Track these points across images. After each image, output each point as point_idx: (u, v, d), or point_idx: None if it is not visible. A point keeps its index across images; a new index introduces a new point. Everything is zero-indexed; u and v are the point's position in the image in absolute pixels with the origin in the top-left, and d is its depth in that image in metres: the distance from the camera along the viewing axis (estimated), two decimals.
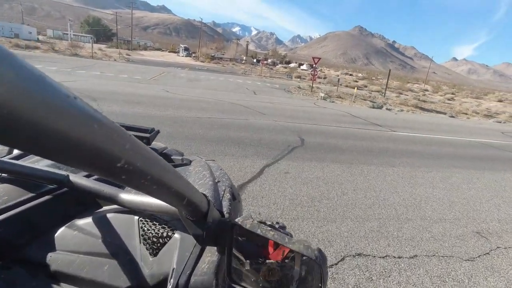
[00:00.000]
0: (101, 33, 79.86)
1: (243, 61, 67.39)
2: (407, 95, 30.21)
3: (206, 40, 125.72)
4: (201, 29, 68.14)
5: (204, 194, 0.59)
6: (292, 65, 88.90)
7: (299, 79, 36.36)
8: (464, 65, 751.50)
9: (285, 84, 23.66)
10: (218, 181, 1.03)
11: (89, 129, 0.23)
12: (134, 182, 0.33)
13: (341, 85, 27.12)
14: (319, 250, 0.56)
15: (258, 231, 0.57)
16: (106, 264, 0.67)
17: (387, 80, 28.89)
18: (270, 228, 0.58)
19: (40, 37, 62.27)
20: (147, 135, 1.10)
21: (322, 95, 16.39)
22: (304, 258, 0.57)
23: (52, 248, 0.69)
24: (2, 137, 0.18)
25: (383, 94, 25.62)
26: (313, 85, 20.71)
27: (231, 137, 5.73)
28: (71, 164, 0.25)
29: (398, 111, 16.56)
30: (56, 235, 0.71)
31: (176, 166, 1.15)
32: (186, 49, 65.46)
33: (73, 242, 0.70)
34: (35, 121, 0.18)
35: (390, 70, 32.40)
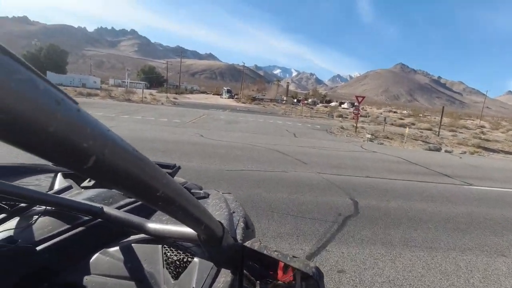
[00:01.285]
0: (154, 80, 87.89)
1: (284, 102, 68.10)
2: (463, 133, 26.80)
3: (248, 82, 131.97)
4: (243, 72, 71.49)
5: (219, 222, 0.67)
6: (332, 104, 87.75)
7: (340, 118, 34.84)
8: None
9: (326, 124, 22.36)
10: (233, 212, 1.13)
11: (139, 167, 0.30)
12: (167, 208, 0.39)
13: (386, 123, 25.05)
14: (317, 268, 0.63)
15: (265, 252, 0.66)
16: (134, 286, 0.76)
17: (441, 117, 25.98)
18: (275, 249, 0.67)
19: (103, 86, 70.29)
20: (170, 170, 1.36)
21: (369, 136, 14.74)
22: (303, 275, 0.63)
23: (88, 272, 0.78)
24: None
25: (437, 133, 22.84)
26: (357, 125, 19.09)
27: (264, 200, 4.53)
28: (128, 192, 0.32)
29: (461, 153, 14.08)
30: (91, 261, 0.79)
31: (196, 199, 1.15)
32: (228, 91, 68.52)
33: (106, 267, 0.78)
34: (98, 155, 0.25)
35: (443, 107, 29.54)
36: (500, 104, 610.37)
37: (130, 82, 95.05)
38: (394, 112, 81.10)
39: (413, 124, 34.74)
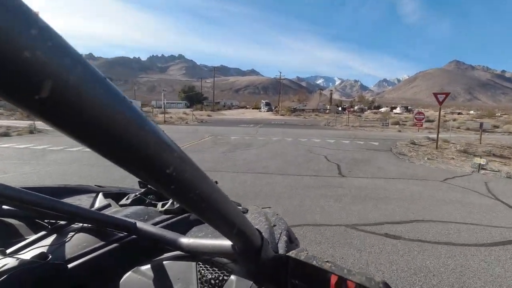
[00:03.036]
0: (194, 98, 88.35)
1: (327, 111, 61.74)
2: None
3: (290, 94, 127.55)
4: (280, 83, 67.03)
5: (257, 229, 0.61)
6: (383, 109, 78.53)
7: (397, 126, 28.02)
8: None
9: (386, 138, 16.35)
10: (274, 225, 1.05)
11: (142, 132, 0.25)
12: (183, 195, 0.34)
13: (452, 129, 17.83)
14: (384, 283, 0.53)
15: (314, 262, 0.57)
16: None
17: None
18: (326, 260, 0.57)
19: (145, 108, 71.64)
20: None
21: (481, 161, 7.68)
22: None
23: None
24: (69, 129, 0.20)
25: None
26: (438, 138, 12.74)
27: None
28: (126, 166, 0.26)
29: None
30: (122, 279, 0.77)
31: None
32: (267, 104, 64.87)
33: (137, 286, 0.75)
34: (99, 116, 0.21)
35: None
36: None
37: (170, 103, 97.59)
38: (459, 113, 69.08)
39: (496, 127, 26.58)
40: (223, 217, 0.44)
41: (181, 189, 0.33)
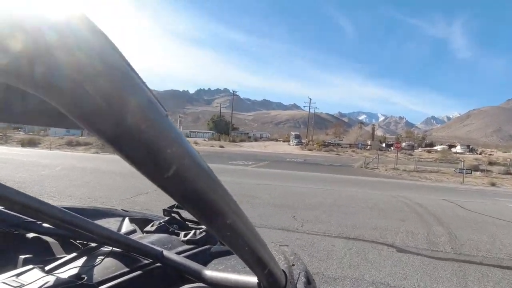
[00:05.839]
0: (224, 128, 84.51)
1: (368, 147, 51.88)
2: None
3: (329, 128, 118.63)
4: (309, 114, 59.32)
5: (282, 270, 0.64)
6: (438, 148, 65.91)
7: (478, 173, 18.59)
8: None
9: None
10: (293, 265, 1.04)
11: (212, 187, 0.31)
12: (233, 241, 0.37)
13: None
14: None
15: None
16: None
17: None
18: None
19: None
20: None
21: None
22: None
23: None
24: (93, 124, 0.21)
25: None
26: None
27: None
28: (198, 213, 0.31)
29: None
30: None
31: None
32: (297, 136, 57.16)
33: None
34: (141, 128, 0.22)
35: None
36: None
37: (196, 131, 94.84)
38: None
39: None
40: (259, 259, 0.46)
41: (235, 238, 0.36)
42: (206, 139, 57.99)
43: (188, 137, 76.40)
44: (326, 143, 49.64)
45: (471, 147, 72.27)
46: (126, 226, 1.19)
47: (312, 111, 63.38)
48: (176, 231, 1.18)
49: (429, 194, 9.36)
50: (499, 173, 19.69)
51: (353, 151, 41.42)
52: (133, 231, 1.11)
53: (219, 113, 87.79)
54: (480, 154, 55.08)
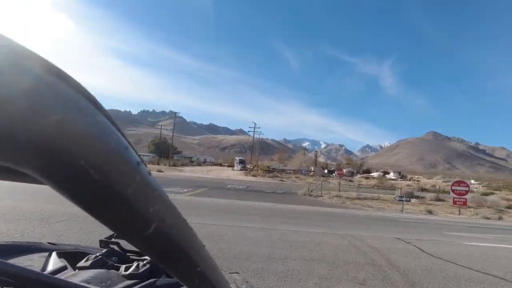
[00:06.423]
0: (165, 152, 79.09)
1: (311, 173, 52.59)
2: None
3: (274, 154, 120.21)
4: (254, 135, 58.86)
5: None
6: (375, 174, 70.59)
7: (415, 200, 18.77)
8: None
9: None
10: None
11: (189, 238, 0.29)
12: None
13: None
14: None
15: None
16: None
17: None
18: None
19: None
20: None
21: None
22: None
23: None
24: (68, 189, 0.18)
25: None
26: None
27: None
28: (170, 266, 0.29)
29: None
30: None
31: None
32: (241, 161, 55.25)
33: None
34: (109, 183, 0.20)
35: None
36: None
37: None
38: (447, 181, 61.55)
39: None
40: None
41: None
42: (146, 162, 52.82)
43: None
44: (271, 169, 48.92)
45: (402, 173, 78.97)
46: (54, 262, 1.01)
47: (257, 136, 63.00)
48: (115, 264, 1.02)
49: (379, 230, 8.09)
50: (431, 200, 20.32)
51: (297, 177, 41.13)
52: (63, 268, 0.95)
53: (161, 136, 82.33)
54: (410, 180, 60.00)
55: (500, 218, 14.13)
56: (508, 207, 18.25)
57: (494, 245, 7.23)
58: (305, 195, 18.20)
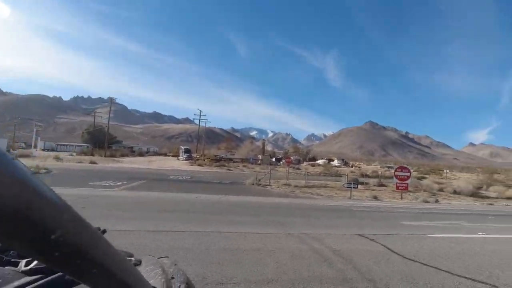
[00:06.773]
0: (102, 141, 71.07)
1: (259, 161, 52.23)
2: None
3: (222, 143, 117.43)
4: (199, 123, 56.16)
5: (153, 287, 0.59)
6: (320, 161, 73.58)
7: (362, 186, 19.03)
8: (485, 149, 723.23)
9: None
10: (173, 277, 0.96)
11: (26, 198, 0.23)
12: (70, 263, 0.29)
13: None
14: None
15: None
16: None
17: None
18: None
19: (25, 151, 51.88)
20: None
21: None
22: None
23: None
24: None
25: None
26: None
27: None
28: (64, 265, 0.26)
29: None
30: None
31: None
32: (186, 151, 52.23)
33: None
34: None
35: None
36: (466, 156, 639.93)
37: (63, 144, 77.79)
38: (389, 167, 67.64)
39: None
40: (115, 281, 0.38)
41: (69, 257, 0.28)
42: (74, 154, 46.56)
43: (53, 150, 60.69)
44: (218, 158, 47.19)
45: (345, 160, 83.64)
46: None
47: (204, 125, 60.10)
48: (13, 260, 0.88)
49: (337, 225, 7.19)
50: (374, 185, 20.99)
51: (245, 165, 40.18)
52: None
53: (96, 123, 73.75)
54: (352, 167, 63.68)
55: (437, 201, 14.83)
56: (440, 190, 19.71)
57: (456, 235, 6.83)
58: (253, 184, 17.08)
